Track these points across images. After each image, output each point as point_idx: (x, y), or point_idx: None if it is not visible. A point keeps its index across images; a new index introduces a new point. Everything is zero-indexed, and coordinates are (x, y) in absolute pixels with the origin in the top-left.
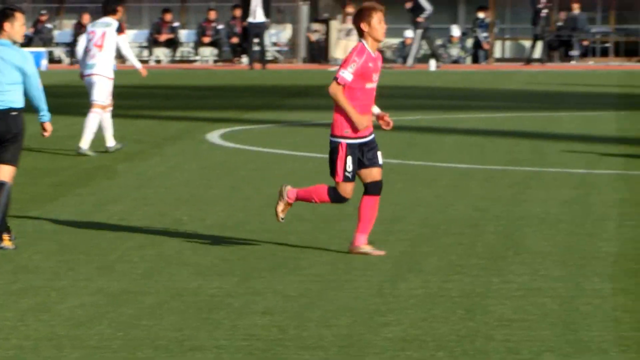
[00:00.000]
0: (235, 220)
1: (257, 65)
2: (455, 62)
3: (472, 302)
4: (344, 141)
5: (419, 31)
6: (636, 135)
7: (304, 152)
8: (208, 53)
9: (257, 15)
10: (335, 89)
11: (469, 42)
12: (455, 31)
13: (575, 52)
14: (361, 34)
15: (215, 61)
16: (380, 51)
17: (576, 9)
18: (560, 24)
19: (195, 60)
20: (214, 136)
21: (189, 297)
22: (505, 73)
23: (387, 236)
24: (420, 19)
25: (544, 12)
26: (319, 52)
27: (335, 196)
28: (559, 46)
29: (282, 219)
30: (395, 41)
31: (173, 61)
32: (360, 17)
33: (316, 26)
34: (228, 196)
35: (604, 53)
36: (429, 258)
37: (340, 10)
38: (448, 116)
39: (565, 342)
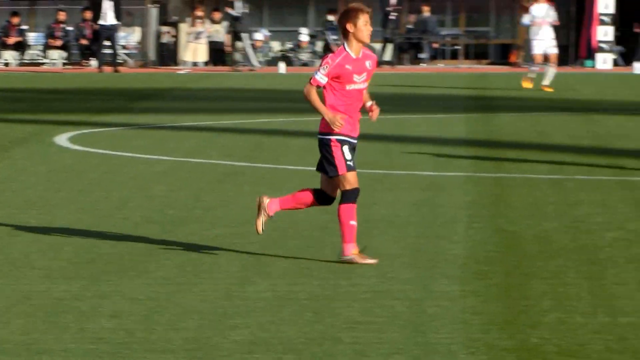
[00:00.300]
0: (83, 223)
1: (108, 68)
2: (305, 65)
3: (320, 304)
4: (333, 137)
5: (243, 34)
6: (485, 137)
7: (153, 155)
8: (57, 56)
9: (108, 18)
10: (307, 89)
11: (319, 45)
12: (304, 37)
13: (425, 55)
14: (345, 34)
15: (64, 64)
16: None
17: (426, 11)
18: (410, 26)
19: (43, 63)
20: (63, 139)
21: (36, 301)
22: None
23: (235, 239)
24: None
25: (394, 15)
26: (168, 55)
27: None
28: (409, 49)
29: (262, 231)
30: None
31: (22, 64)
32: (347, 17)
33: (165, 29)
34: (76, 199)
35: (454, 55)
36: (277, 261)
37: (189, 13)
38: (296, 119)
39: (414, 345)
